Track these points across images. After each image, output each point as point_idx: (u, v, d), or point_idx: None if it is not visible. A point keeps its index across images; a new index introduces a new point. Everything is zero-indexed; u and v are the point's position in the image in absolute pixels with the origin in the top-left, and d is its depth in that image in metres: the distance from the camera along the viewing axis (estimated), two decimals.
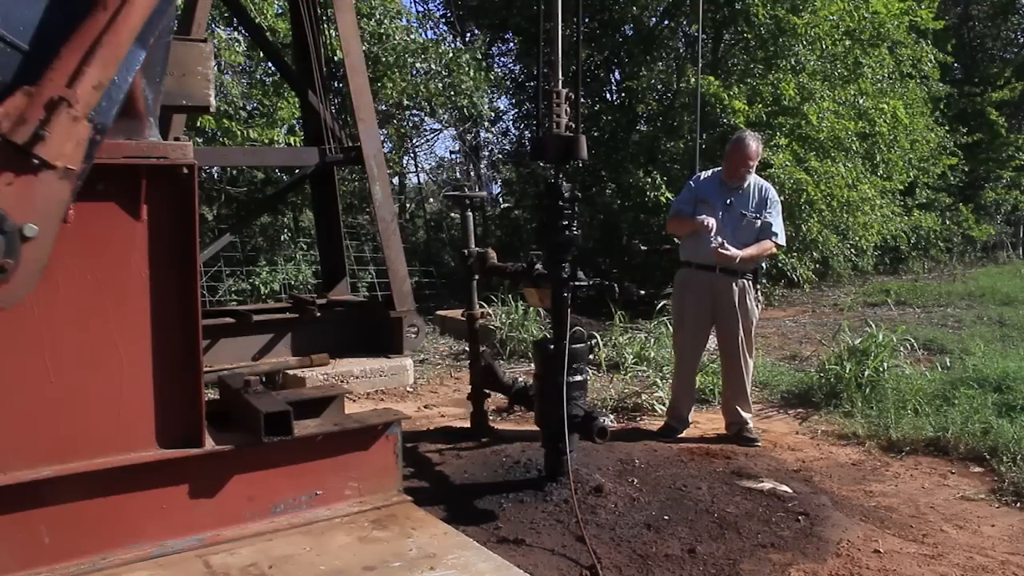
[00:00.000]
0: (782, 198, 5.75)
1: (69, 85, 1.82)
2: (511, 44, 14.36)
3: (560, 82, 3.78)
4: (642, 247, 10.16)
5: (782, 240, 4.98)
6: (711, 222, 4.69)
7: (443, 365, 7.35)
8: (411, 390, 6.25)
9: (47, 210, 1.86)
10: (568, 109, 3.75)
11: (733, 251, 4.68)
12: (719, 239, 4.69)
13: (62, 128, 1.82)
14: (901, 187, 14.14)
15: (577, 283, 3.73)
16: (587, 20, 11.96)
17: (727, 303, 4.84)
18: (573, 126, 3.77)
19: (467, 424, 4.95)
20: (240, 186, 10.22)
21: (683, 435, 4.99)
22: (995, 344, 7.78)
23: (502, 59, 14.76)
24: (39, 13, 1.86)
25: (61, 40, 1.83)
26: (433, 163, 18.19)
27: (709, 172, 5.11)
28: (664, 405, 5.47)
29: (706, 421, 5.39)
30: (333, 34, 7.11)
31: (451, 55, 10.70)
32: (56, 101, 1.80)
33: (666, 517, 3.62)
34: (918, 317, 10.23)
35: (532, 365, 4.26)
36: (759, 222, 4.85)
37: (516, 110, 14.54)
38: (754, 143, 4.86)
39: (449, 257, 12.93)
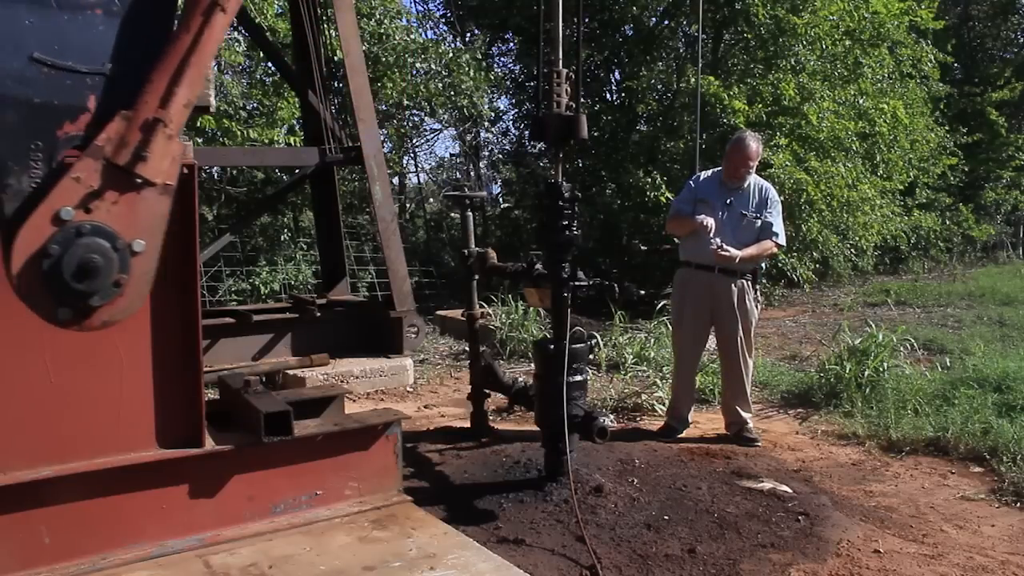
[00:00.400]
0: (782, 198, 5.75)
1: (162, 106, 1.93)
2: (511, 44, 14.37)
3: (560, 61, 3.74)
4: (642, 247, 10.16)
5: (782, 240, 4.98)
6: (710, 222, 4.69)
7: (443, 365, 7.35)
8: (411, 390, 6.25)
9: (151, 225, 1.98)
10: (568, 89, 3.71)
11: (732, 251, 4.68)
12: (717, 240, 4.69)
13: (159, 147, 1.94)
14: (901, 187, 14.14)
15: (577, 283, 3.73)
16: (587, 20, 11.95)
17: (726, 303, 4.84)
18: (573, 106, 3.74)
19: (467, 424, 4.95)
20: (240, 186, 10.21)
21: (683, 435, 5.00)
22: (995, 344, 7.79)
23: (502, 59, 14.77)
24: (107, 36, 1.93)
25: (134, 60, 1.92)
26: (433, 163, 18.23)
27: (709, 172, 5.10)
28: (664, 405, 5.47)
29: (706, 421, 5.39)
30: (333, 34, 7.10)
31: (451, 55, 10.69)
32: (152, 123, 1.92)
33: (666, 517, 3.62)
34: (918, 317, 10.24)
35: (532, 365, 4.25)
36: (759, 222, 4.84)
37: (516, 110, 14.55)
38: (754, 143, 4.86)
39: (449, 257, 12.93)
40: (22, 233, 1.81)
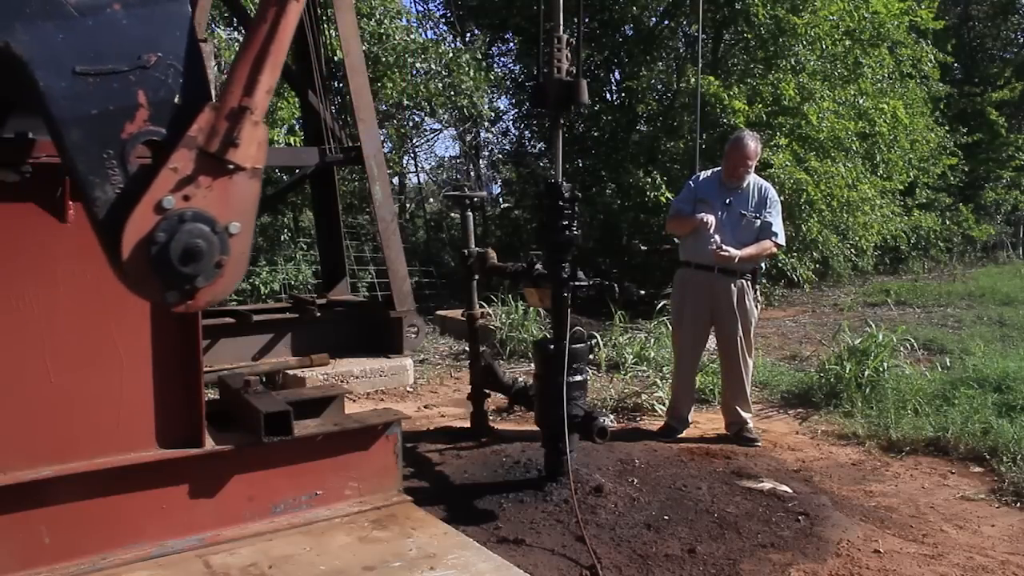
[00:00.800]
0: (782, 198, 5.75)
1: (247, 95, 2.06)
2: (511, 44, 14.37)
3: (561, 26, 3.72)
4: (642, 247, 10.16)
5: (782, 240, 4.98)
6: (710, 219, 4.69)
7: (443, 365, 7.35)
8: (411, 390, 6.25)
9: (244, 207, 2.10)
10: (569, 55, 3.70)
11: (732, 251, 4.68)
12: (717, 239, 4.69)
13: (247, 134, 2.05)
14: (901, 187, 14.14)
15: (577, 283, 3.73)
16: (587, 20, 11.96)
17: (725, 303, 4.84)
18: (574, 71, 3.73)
19: (467, 424, 4.95)
20: None
21: (683, 435, 4.99)
22: (995, 344, 7.79)
23: (502, 59, 14.78)
24: (134, 29, 2.00)
25: (164, 42, 2.02)
26: (433, 163, 18.23)
27: (709, 172, 5.10)
28: (664, 405, 5.47)
29: (706, 421, 5.39)
30: (333, 34, 7.11)
31: (451, 55, 10.70)
32: (239, 111, 2.04)
33: (666, 517, 3.62)
34: (918, 317, 10.24)
35: (532, 365, 4.25)
36: (758, 221, 4.84)
37: (516, 110, 14.56)
38: (752, 143, 4.86)
39: (449, 257, 12.93)
40: (128, 226, 1.95)
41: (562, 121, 3.88)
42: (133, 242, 1.95)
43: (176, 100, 2.00)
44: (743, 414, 4.96)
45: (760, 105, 10.93)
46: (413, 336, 5.76)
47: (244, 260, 2.14)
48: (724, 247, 4.68)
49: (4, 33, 1.80)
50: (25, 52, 1.84)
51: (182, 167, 2.00)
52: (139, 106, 1.97)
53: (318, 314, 5.54)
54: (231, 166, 2.07)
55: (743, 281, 4.85)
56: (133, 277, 1.99)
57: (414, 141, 14.27)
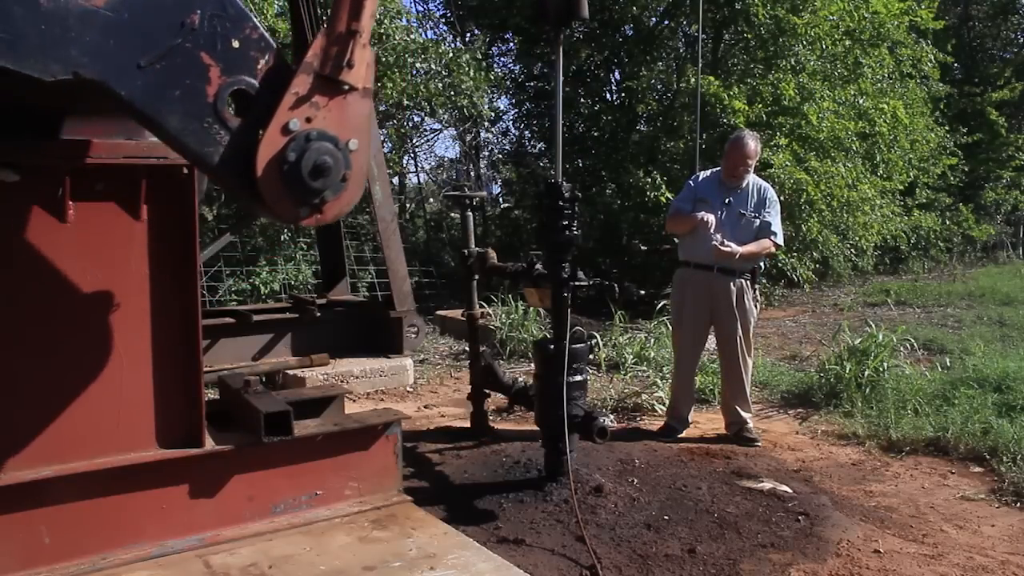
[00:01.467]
0: (782, 198, 5.75)
1: (354, 18, 2.18)
2: (511, 44, 14.36)
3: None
4: (642, 247, 10.16)
5: (780, 240, 4.99)
6: (710, 218, 4.70)
7: (443, 365, 7.35)
8: (411, 390, 6.25)
9: (359, 125, 2.23)
10: None
11: (733, 247, 4.68)
12: (718, 236, 4.69)
13: (357, 55, 2.19)
14: (901, 187, 14.14)
15: (577, 283, 3.73)
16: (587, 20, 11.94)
17: (725, 303, 4.84)
18: None
19: (467, 424, 4.95)
20: None
21: (683, 435, 4.99)
22: (995, 344, 7.79)
23: (502, 59, 14.77)
24: None
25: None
26: (433, 163, 18.21)
27: (708, 172, 5.11)
28: (664, 405, 5.47)
29: (706, 421, 5.39)
30: None
31: (451, 55, 10.69)
32: (348, 33, 2.17)
33: (666, 517, 3.62)
34: (918, 317, 10.24)
35: (532, 365, 4.25)
36: (758, 221, 4.85)
37: (516, 110, 14.55)
38: (752, 142, 4.86)
39: (449, 257, 12.93)
40: (261, 149, 2.07)
41: (562, 35, 3.81)
42: (265, 162, 2.08)
43: (235, 43, 2.08)
44: (743, 414, 4.96)
45: (760, 105, 10.92)
46: (413, 336, 5.76)
47: (364, 173, 2.28)
48: (725, 243, 4.68)
49: (68, 65, 1.87)
50: (93, 72, 1.91)
51: (302, 91, 2.13)
52: (208, 66, 2.06)
53: (318, 314, 5.53)
54: (345, 87, 2.19)
55: (742, 280, 4.85)
56: (267, 196, 2.11)
57: (414, 141, 14.27)
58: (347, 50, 2.17)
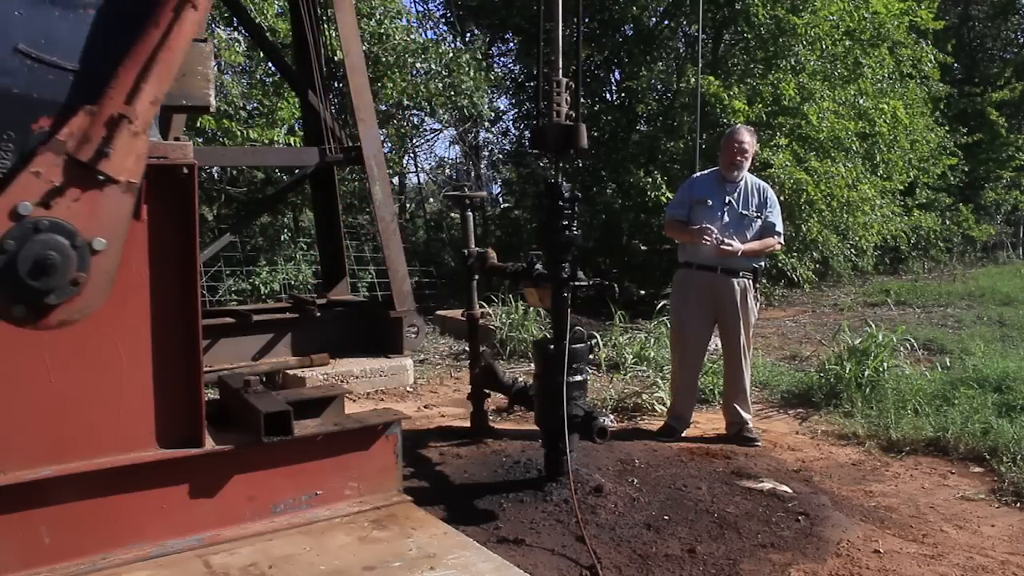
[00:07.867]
0: (782, 198, 5.76)
1: (128, 102, 1.90)
2: (511, 44, 14.38)
3: (560, 71, 3.75)
4: (642, 247, 10.17)
5: (782, 240, 5.01)
6: (710, 232, 4.71)
7: (443, 365, 7.35)
8: (411, 390, 6.25)
9: (113, 224, 1.94)
10: (568, 98, 3.71)
11: (736, 245, 4.70)
12: (719, 236, 4.71)
13: (124, 144, 1.90)
14: (901, 187, 14.15)
15: (577, 283, 3.73)
16: (587, 20, 11.95)
17: (729, 302, 4.84)
18: (573, 115, 3.75)
19: (467, 424, 4.95)
20: (240, 186, 10.21)
21: (683, 435, 4.99)
22: (995, 344, 7.79)
23: (502, 59, 14.79)
24: (83, 32, 1.88)
25: (107, 58, 1.87)
26: (433, 163, 18.22)
27: (705, 172, 5.12)
28: (664, 405, 5.47)
29: (706, 421, 5.39)
30: (333, 34, 7.11)
31: (451, 55, 10.70)
32: (117, 119, 1.88)
33: (666, 517, 3.62)
34: (918, 317, 10.24)
35: (532, 365, 4.25)
36: (760, 222, 4.86)
37: (516, 110, 14.56)
38: (747, 133, 4.87)
39: (449, 257, 12.92)
40: None
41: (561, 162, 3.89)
42: None
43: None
44: (743, 414, 4.96)
45: (760, 105, 10.93)
46: (413, 336, 5.75)
47: (108, 279, 1.95)
48: (727, 240, 4.69)
49: None
50: None
51: (46, 172, 1.83)
52: (66, 107, 1.85)
53: (318, 314, 5.53)
54: (102, 177, 1.90)
55: (746, 280, 4.86)
56: None
57: (414, 141, 14.27)
58: (112, 136, 1.88)
